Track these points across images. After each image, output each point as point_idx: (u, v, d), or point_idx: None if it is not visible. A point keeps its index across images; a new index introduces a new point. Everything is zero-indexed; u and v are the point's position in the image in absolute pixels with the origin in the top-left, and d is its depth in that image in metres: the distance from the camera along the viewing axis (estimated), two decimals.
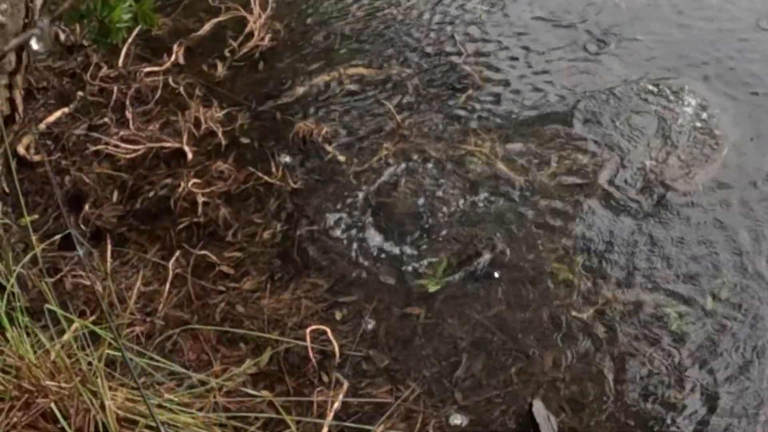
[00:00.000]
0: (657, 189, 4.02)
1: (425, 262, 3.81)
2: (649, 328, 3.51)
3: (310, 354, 3.43)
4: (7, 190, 3.95)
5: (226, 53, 4.99)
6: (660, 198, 3.98)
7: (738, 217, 3.91)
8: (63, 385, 2.83)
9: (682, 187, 4.03)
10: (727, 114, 4.39)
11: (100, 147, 4.39)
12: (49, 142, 4.48)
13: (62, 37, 5.05)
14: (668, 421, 3.21)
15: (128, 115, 4.56)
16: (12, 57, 3.47)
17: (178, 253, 3.89)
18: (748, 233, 3.84)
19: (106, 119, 4.56)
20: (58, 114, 4.61)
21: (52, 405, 2.77)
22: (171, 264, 3.82)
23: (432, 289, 3.71)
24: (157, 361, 3.24)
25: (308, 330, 3.48)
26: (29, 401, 2.80)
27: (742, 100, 4.47)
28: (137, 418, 2.89)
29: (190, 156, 4.32)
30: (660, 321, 3.54)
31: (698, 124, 4.35)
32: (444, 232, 3.92)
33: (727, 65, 4.69)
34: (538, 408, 3.23)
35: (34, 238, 3.82)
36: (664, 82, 4.58)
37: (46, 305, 3.16)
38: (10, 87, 3.58)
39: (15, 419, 2.74)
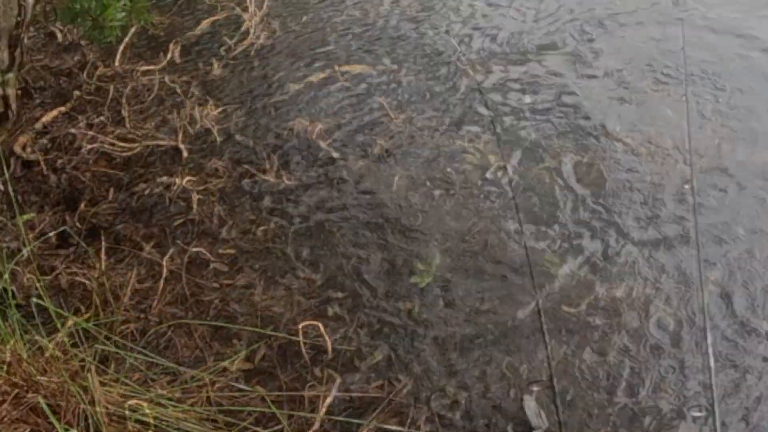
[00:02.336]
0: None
1: (418, 257, 3.83)
2: (641, 325, 3.51)
3: (303, 350, 3.45)
4: (2, 188, 3.99)
5: (222, 51, 5.03)
6: None
7: None
8: (54, 380, 2.85)
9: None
10: None
11: (96, 145, 4.42)
12: (45, 140, 4.51)
13: (59, 36, 5.09)
14: (659, 417, 3.21)
15: (124, 113, 4.59)
16: (5, 55, 3.49)
17: (172, 250, 3.91)
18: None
19: (102, 118, 4.60)
20: (54, 113, 4.64)
21: (41, 400, 2.79)
22: (165, 261, 3.84)
23: (424, 283, 3.73)
24: (152, 357, 3.27)
25: (300, 325, 3.51)
26: (19, 396, 2.82)
27: None
28: (128, 413, 2.92)
29: (185, 154, 4.35)
30: (651, 318, 3.54)
31: None
32: (437, 227, 3.94)
33: None
34: (529, 403, 3.24)
35: (30, 235, 3.86)
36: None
37: (39, 301, 3.18)
38: (3, 85, 3.61)
39: (5, 413, 2.76)
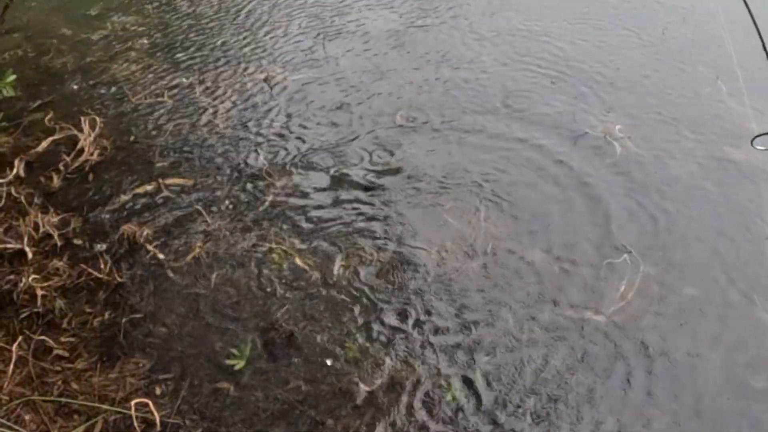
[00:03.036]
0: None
1: (235, 337, 4.47)
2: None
3: (135, 423, 3.99)
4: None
5: (61, 167, 5.65)
6: None
7: None
8: None
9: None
10: None
11: None
12: None
13: None
14: None
15: None
16: None
17: (20, 338, 4.42)
18: None
19: None
20: None
21: None
22: (14, 347, 4.35)
23: (238, 366, 4.31)
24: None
25: (132, 402, 4.05)
26: None
27: None
28: None
29: (30, 255, 4.91)
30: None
31: None
32: (251, 318, 4.59)
33: None
34: None
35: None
36: None
37: None
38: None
39: None
